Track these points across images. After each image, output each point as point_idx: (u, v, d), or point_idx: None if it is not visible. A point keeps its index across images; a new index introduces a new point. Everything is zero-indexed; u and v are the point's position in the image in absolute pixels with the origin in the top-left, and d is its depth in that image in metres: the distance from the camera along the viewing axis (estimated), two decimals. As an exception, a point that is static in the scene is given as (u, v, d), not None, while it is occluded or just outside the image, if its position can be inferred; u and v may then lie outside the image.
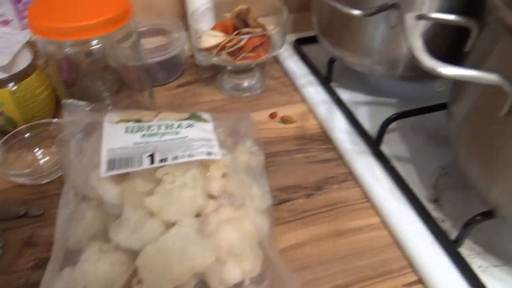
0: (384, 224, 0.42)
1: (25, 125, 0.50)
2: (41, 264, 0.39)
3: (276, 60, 0.66)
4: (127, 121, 0.37)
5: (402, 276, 0.38)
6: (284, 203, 0.45)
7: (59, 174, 0.47)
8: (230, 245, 0.32)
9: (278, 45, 0.57)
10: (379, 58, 0.50)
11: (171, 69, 0.63)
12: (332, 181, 0.47)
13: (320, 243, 0.41)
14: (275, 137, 0.53)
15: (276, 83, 0.62)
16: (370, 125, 0.51)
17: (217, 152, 0.35)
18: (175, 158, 0.34)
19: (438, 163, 0.47)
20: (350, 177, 0.47)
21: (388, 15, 0.44)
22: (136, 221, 0.31)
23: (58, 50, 0.45)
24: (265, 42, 0.55)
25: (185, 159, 0.34)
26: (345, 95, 0.56)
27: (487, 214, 0.36)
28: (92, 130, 0.38)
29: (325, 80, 0.58)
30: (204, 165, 0.36)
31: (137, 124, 0.37)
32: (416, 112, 0.48)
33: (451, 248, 0.38)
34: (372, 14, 0.43)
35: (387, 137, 0.48)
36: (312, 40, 0.63)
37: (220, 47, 0.54)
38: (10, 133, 0.49)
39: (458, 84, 0.38)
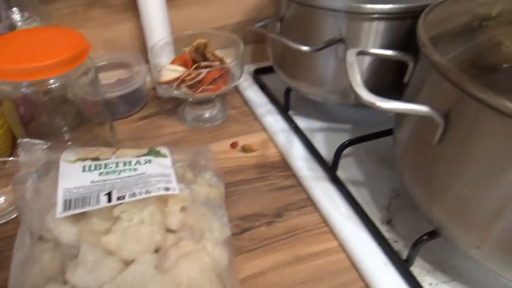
0: (342, 247, 0.44)
1: (-20, 164, 0.49)
2: (-5, 310, 0.38)
3: (237, 90, 0.69)
4: (84, 159, 0.37)
5: (359, 298, 0.39)
6: (246, 232, 0.46)
7: (15, 215, 0.46)
8: (189, 279, 0.32)
9: (237, 76, 0.59)
10: (331, 88, 0.53)
11: (133, 102, 0.63)
12: (292, 207, 0.49)
13: (280, 270, 0.42)
14: (237, 166, 0.54)
15: (237, 112, 0.64)
16: (327, 151, 0.54)
17: (175, 187, 0.36)
18: (133, 195, 0.34)
19: (391, 185, 0.49)
20: (309, 202, 0.49)
21: (336, 48, 0.48)
22: (93, 260, 0.31)
23: (14, 90, 0.44)
24: (224, 74, 0.57)
25: (143, 196, 0.34)
26: (303, 123, 0.59)
27: (433, 234, 0.38)
28: (49, 170, 0.38)
29: (283, 108, 0.61)
30: (163, 200, 0.36)
31: (94, 163, 0.37)
32: (368, 138, 0.51)
33: (403, 267, 0.40)
34: (320, 49, 0.46)
35: (343, 162, 0.51)
36: (270, 70, 0.66)
37: (180, 81, 0.55)
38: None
39: (400, 113, 0.41)
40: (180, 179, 0.39)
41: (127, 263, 0.32)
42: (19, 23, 0.54)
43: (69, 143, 0.51)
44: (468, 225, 0.33)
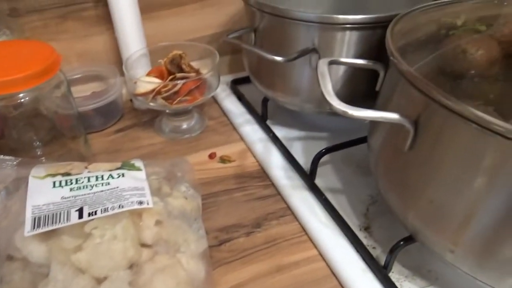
0: (321, 255, 0.44)
1: None
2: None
3: (215, 101, 0.68)
4: (54, 175, 0.36)
5: (339, 306, 0.39)
6: (225, 244, 0.45)
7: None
8: (164, 295, 0.32)
9: (213, 87, 0.59)
10: (307, 97, 0.53)
11: (109, 114, 0.62)
12: (271, 217, 0.48)
13: (261, 281, 0.41)
14: (215, 177, 0.54)
15: (215, 123, 0.64)
16: (305, 160, 0.54)
17: (149, 201, 0.35)
18: (105, 210, 0.33)
19: (368, 191, 0.50)
20: (288, 212, 0.49)
21: (310, 58, 0.48)
22: (64, 279, 0.30)
23: (-18, 105, 0.43)
24: (200, 85, 0.57)
25: (116, 211, 0.34)
26: (281, 132, 0.59)
27: (409, 239, 0.38)
28: (19, 186, 0.37)
29: (261, 118, 0.61)
30: (137, 214, 0.35)
31: (65, 178, 0.36)
32: (344, 146, 0.51)
33: (381, 273, 0.40)
34: (294, 59, 0.46)
35: (321, 170, 0.51)
36: (247, 80, 0.66)
37: (156, 92, 0.55)
38: None
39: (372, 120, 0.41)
40: (156, 192, 0.38)
41: (100, 280, 0.31)
42: (-12, 37, 0.53)
43: (42, 158, 0.50)
44: (441, 230, 0.33)
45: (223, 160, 0.56)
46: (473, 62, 0.33)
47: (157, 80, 0.56)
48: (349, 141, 0.52)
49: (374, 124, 0.41)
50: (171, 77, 0.56)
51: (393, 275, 0.40)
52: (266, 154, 0.56)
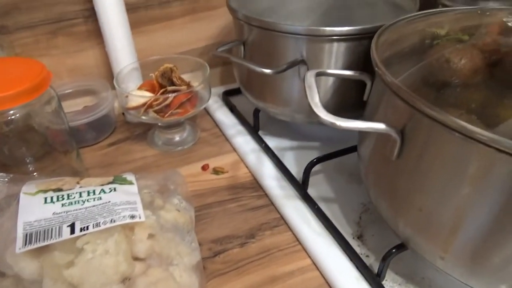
0: (315, 265, 0.44)
1: None
2: None
3: (207, 112, 0.69)
4: (46, 191, 0.36)
5: (333, 316, 0.39)
6: (219, 255, 0.45)
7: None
8: (158, 309, 0.32)
9: (205, 99, 0.60)
10: (297, 108, 0.54)
11: (101, 128, 0.63)
12: (265, 227, 0.49)
13: (255, 292, 0.41)
14: (208, 189, 0.54)
15: (208, 134, 0.64)
16: (297, 170, 0.54)
17: (141, 214, 0.36)
18: (97, 225, 0.34)
19: (360, 200, 0.50)
20: (282, 221, 0.49)
21: (298, 70, 0.49)
22: (56, 296, 0.30)
23: (-28, 122, 0.43)
24: (192, 98, 0.57)
25: (108, 225, 0.34)
26: (273, 143, 0.59)
27: (401, 247, 0.39)
28: (10, 203, 0.37)
29: (253, 129, 0.62)
30: (130, 228, 0.36)
31: (56, 194, 0.36)
32: (335, 155, 0.52)
33: (375, 282, 0.40)
34: (282, 71, 0.47)
35: (314, 179, 0.52)
36: (239, 91, 0.66)
37: (147, 106, 0.55)
38: None
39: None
40: (148, 205, 0.38)
41: (92, 296, 0.31)
42: (-21, 55, 0.53)
43: (34, 173, 0.50)
44: (431, 237, 0.34)
45: (216, 171, 0.57)
46: (456, 71, 0.34)
47: (148, 94, 0.56)
48: (340, 150, 0.52)
49: (363, 133, 0.41)
50: (162, 90, 0.57)
51: (387, 283, 0.40)
52: (259, 165, 0.56)
